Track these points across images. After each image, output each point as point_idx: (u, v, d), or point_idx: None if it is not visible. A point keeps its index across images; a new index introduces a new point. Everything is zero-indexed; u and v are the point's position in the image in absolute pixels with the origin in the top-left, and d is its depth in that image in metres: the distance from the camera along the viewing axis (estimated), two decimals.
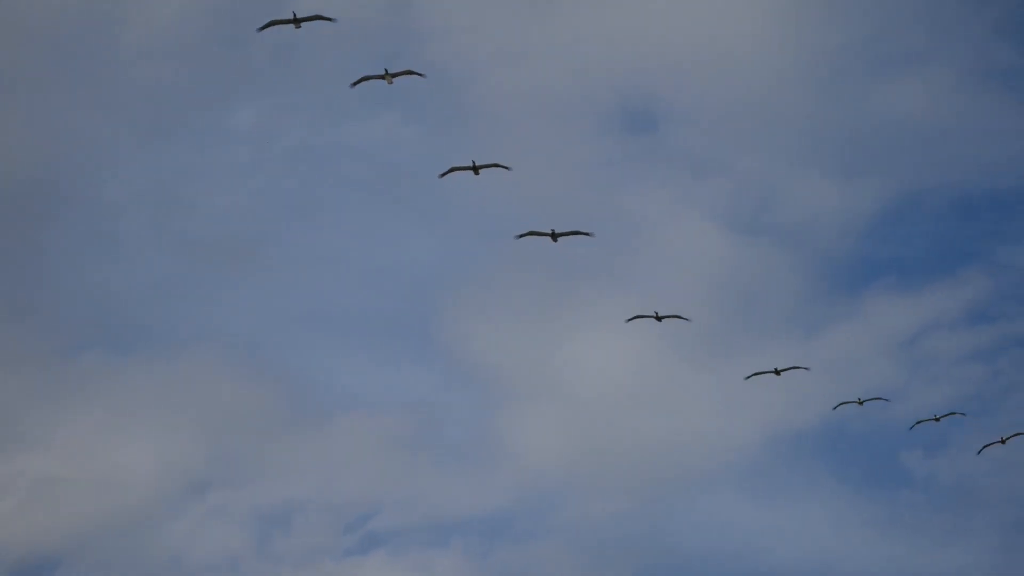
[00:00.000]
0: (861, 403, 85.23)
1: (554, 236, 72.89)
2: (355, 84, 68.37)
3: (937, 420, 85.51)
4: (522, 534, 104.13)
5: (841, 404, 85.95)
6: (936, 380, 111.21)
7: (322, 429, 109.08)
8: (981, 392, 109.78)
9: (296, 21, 65.70)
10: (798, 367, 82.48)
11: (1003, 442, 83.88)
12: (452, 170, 71.61)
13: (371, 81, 67.98)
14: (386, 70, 68.27)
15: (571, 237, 73.36)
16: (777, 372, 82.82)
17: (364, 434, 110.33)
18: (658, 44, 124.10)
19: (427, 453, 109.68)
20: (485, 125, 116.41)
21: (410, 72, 68.54)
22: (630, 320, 79.09)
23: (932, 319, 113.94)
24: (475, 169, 71.60)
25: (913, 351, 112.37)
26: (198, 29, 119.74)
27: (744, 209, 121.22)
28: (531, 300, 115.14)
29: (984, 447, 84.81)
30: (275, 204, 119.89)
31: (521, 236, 73.20)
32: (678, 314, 78.73)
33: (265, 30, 64.82)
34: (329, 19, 66.20)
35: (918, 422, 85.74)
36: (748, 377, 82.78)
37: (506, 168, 71.76)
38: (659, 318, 78.61)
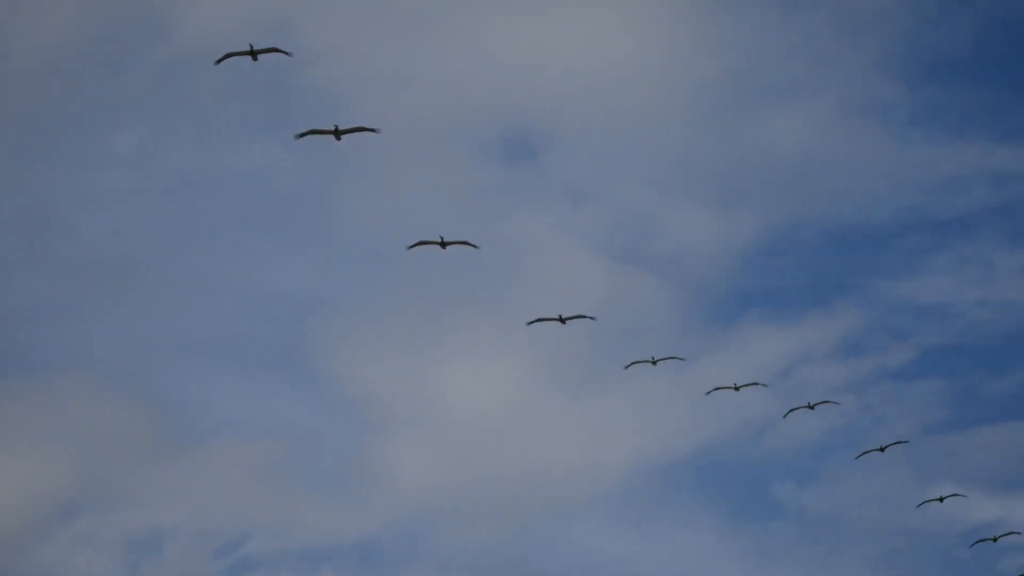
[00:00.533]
0: (812, 407, 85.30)
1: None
2: (301, 136, 66.95)
3: (883, 450, 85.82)
4: (394, 561, 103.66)
5: (792, 411, 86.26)
6: (808, 412, 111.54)
7: (195, 455, 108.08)
8: (853, 425, 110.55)
9: (253, 53, 64.21)
10: (756, 383, 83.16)
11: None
12: (420, 244, 72.28)
13: (319, 136, 66.82)
14: (336, 126, 67.07)
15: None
16: (736, 388, 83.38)
17: (237, 460, 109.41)
18: (539, 73, 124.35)
19: (300, 479, 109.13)
20: (366, 150, 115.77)
21: (361, 129, 67.37)
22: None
23: (805, 351, 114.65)
24: (443, 244, 72.46)
25: (787, 382, 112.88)
26: (78, 51, 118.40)
27: (622, 238, 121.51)
28: (407, 327, 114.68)
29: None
30: (153, 228, 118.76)
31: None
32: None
33: (222, 62, 63.63)
34: (286, 52, 64.56)
35: (864, 452, 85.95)
36: (709, 392, 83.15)
37: (475, 247, 72.96)
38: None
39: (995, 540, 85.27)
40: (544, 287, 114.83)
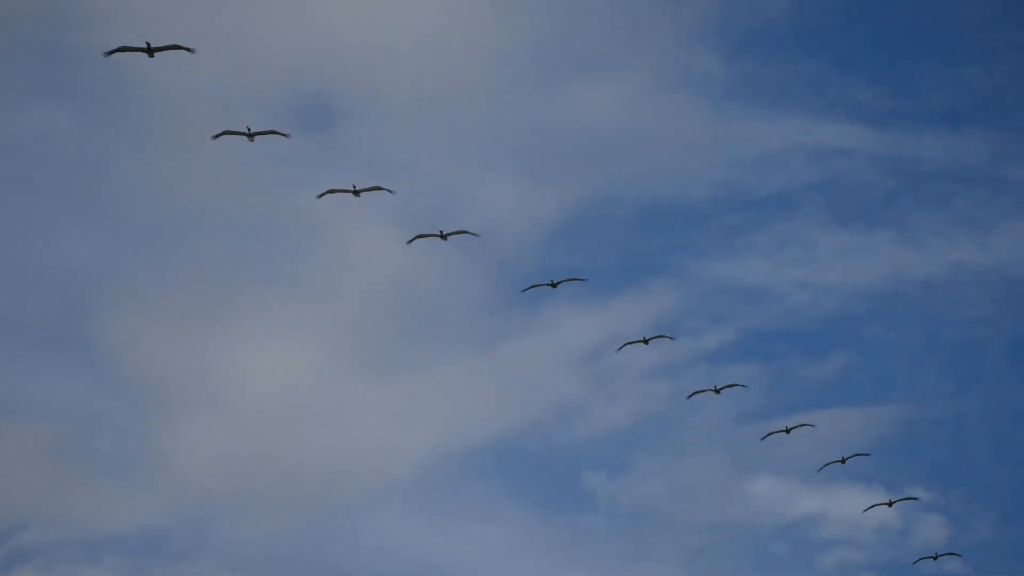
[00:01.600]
0: (718, 391, 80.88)
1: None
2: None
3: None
4: (178, 552, 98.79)
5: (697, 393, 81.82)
6: (619, 395, 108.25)
7: None
8: (665, 409, 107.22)
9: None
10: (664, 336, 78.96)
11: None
12: (330, 192, 69.53)
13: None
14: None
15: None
16: (645, 341, 78.94)
17: (10, 443, 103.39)
18: (335, 39, 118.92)
19: (79, 464, 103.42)
20: (151, 118, 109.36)
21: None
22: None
23: (617, 331, 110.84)
24: (356, 192, 70.23)
25: (595, 365, 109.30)
26: None
27: (424, 212, 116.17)
28: (196, 305, 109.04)
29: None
30: None
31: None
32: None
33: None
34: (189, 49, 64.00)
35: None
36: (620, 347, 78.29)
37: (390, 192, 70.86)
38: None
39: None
40: (343, 262, 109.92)
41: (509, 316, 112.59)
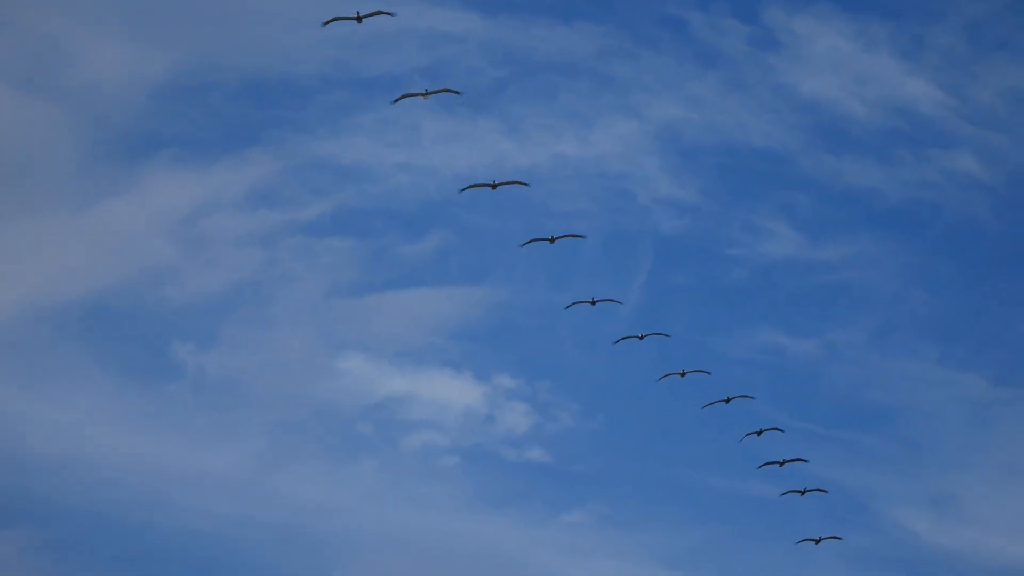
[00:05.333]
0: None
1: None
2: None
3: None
4: None
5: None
6: (212, 262, 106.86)
7: None
8: (258, 278, 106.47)
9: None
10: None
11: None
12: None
13: None
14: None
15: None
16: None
17: None
18: None
19: None
20: None
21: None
22: None
23: (215, 198, 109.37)
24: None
25: (190, 230, 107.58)
26: None
27: (24, 65, 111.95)
28: None
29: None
30: None
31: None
32: None
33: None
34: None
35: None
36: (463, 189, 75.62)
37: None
38: None
39: (682, 375, 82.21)
40: None
41: (105, 177, 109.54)
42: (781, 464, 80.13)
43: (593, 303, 76.22)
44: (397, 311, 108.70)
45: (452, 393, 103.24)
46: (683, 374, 79.49)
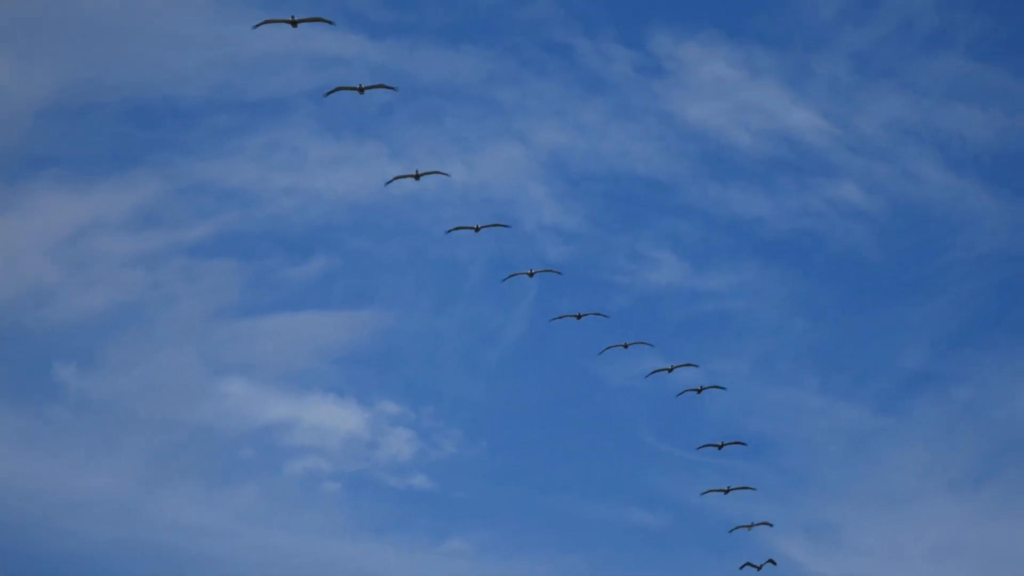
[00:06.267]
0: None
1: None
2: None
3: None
4: None
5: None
6: (95, 282, 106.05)
7: None
8: (141, 300, 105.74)
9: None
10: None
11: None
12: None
13: None
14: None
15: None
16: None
17: None
18: None
19: None
20: None
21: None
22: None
23: (98, 219, 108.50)
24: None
25: (73, 250, 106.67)
26: None
27: None
28: None
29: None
30: None
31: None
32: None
33: None
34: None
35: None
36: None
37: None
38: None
39: (625, 346, 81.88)
40: None
41: None
42: (720, 447, 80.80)
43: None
44: (281, 335, 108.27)
45: (335, 419, 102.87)
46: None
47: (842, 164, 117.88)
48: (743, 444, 78.56)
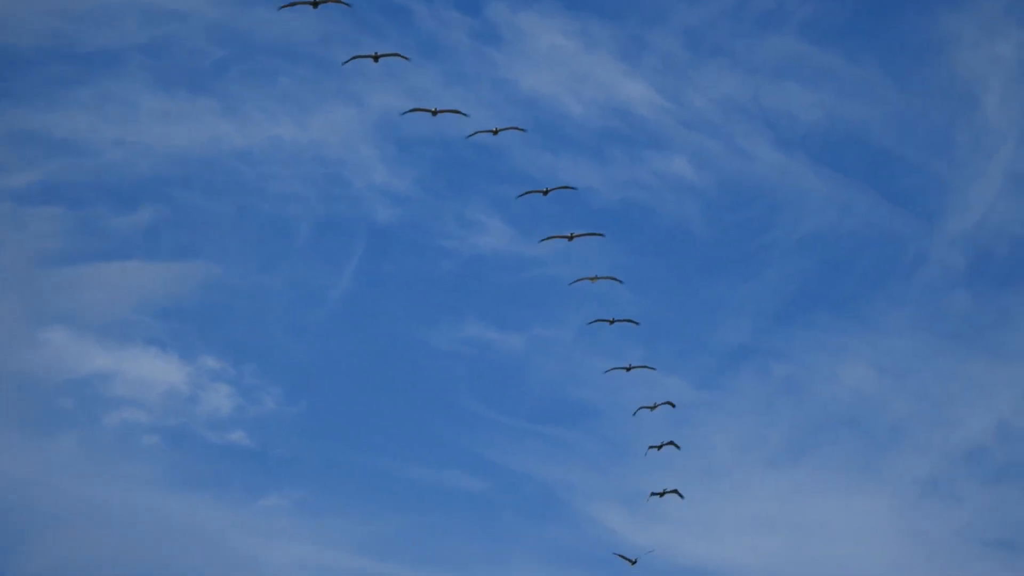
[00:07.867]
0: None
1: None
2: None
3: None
4: None
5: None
6: None
7: None
8: None
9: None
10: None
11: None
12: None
13: None
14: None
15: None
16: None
17: None
18: None
19: None
20: None
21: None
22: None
23: None
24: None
25: None
26: None
27: None
28: None
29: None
30: None
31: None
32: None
33: None
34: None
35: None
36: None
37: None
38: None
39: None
40: None
41: None
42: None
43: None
44: (104, 285, 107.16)
45: (156, 371, 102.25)
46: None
47: (673, 138, 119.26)
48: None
